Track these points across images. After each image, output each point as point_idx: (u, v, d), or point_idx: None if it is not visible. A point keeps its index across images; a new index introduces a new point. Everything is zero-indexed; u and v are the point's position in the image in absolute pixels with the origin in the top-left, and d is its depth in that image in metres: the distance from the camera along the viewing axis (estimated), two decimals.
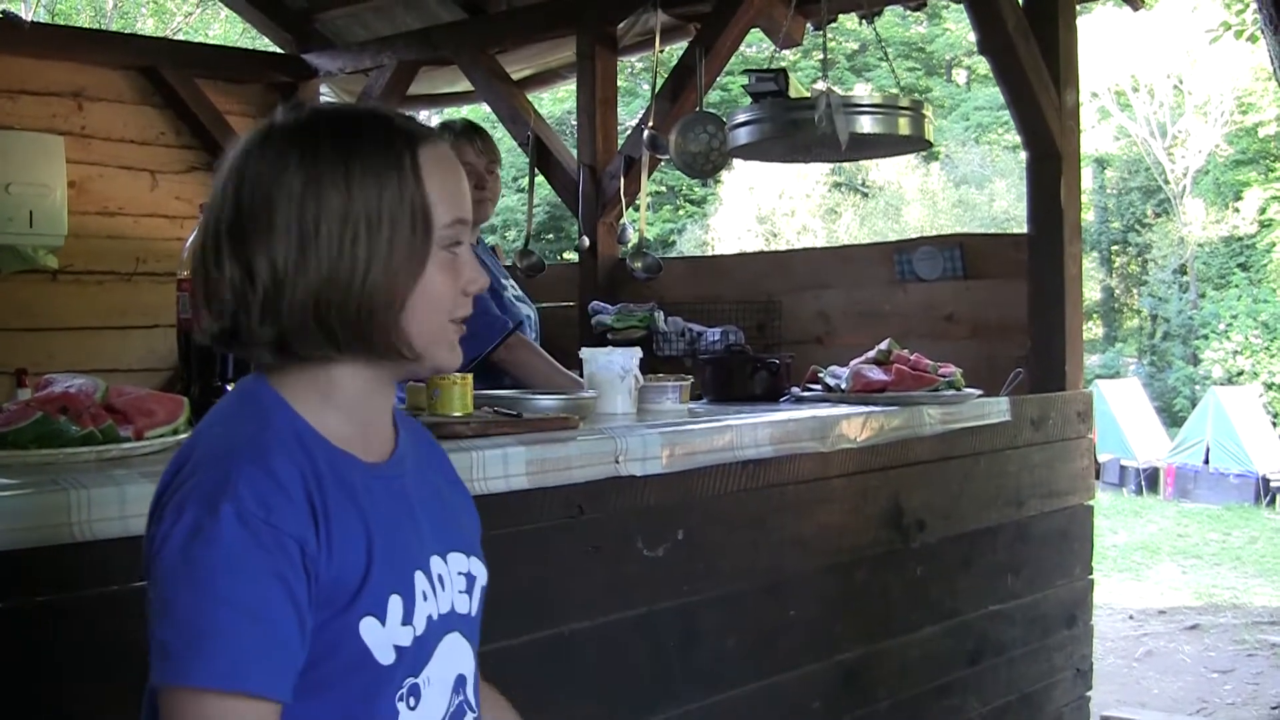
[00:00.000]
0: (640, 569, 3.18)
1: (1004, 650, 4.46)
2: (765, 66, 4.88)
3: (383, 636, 1.52)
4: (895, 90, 4.63)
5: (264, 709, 1.42)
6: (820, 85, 4.49)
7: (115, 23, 23.10)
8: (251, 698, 1.40)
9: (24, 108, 6.95)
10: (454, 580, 1.68)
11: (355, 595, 1.50)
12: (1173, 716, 7.05)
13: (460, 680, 1.68)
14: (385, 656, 1.52)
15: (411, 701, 1.58)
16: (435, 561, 1.65)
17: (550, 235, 27.27)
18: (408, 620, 1.56)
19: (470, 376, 3.21)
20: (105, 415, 2.52)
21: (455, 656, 1.67)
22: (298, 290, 1.52)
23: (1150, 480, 18.46)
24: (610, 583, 3.13)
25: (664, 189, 30.40)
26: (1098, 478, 16.53)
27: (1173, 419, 25.14)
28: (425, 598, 1.60)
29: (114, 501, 2.13)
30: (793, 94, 4.66)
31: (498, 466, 2.82)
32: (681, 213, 31.83)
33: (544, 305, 6.78)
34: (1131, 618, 9.78)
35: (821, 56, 5.47)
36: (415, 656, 1.57)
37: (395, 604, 1.54)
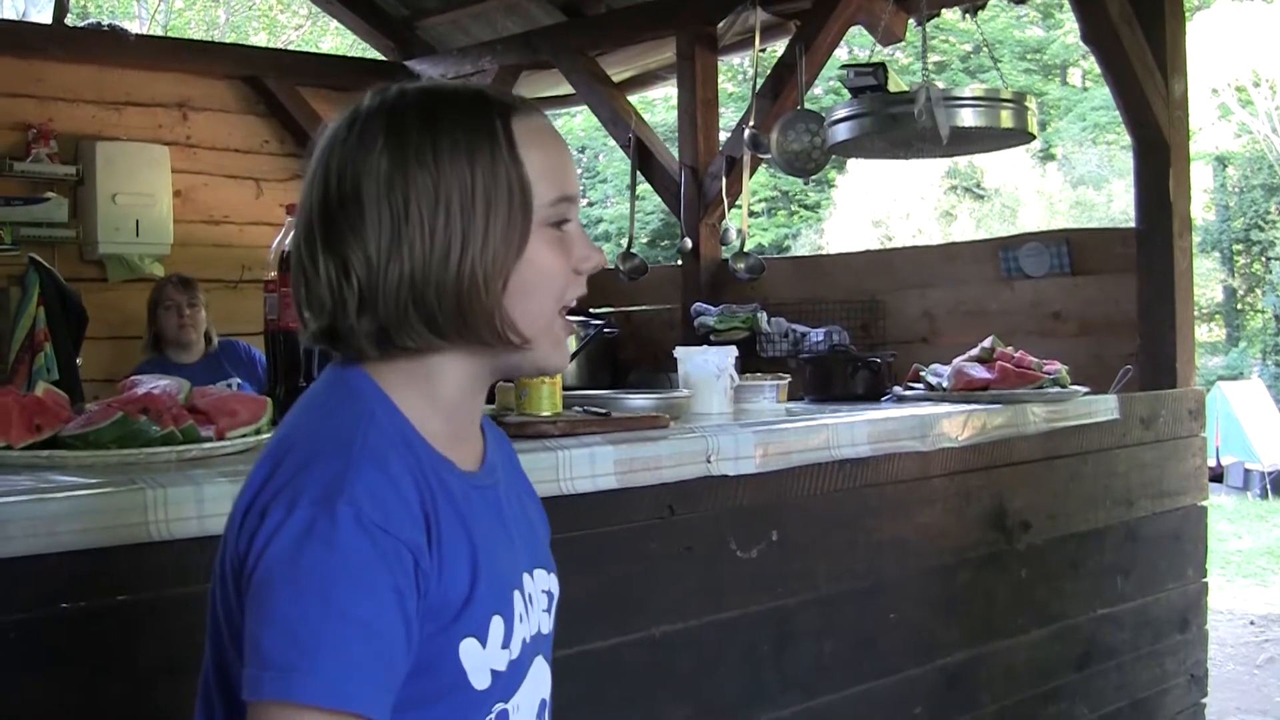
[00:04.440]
0: (733, 570, 3.13)
1: (1113, 655, 4.35)
2: (865, 61, 4.81)
3: (481, 659, 1.43)
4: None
5: None
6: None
7: (227, 37, 23.41)
8: (356, 718, 1.28)
9: (130, 119, 7.09)
10: (538, 599, 1.57)
11: (458, 614, 1.40)
12: None
13: (543, 705, 1.58)
14: (480, 681, 1.43)
15: None
16: (526, 580, 1.55)
17: (665, 241, 27.03)
18: (506, 643, 1.46)
19: (560, 376, 3.17)
20: (186, 416, 2.52)
21: (541, 680, 1.57)
22: (393, 277, 1.42)
23: (1276, 483, 17.98)
24: (702, 585, 3.08)
25: (777, 194, 30.20)
26: (1221, 481, 16.17)
27: None
28: (521, 619, 1.50)
29: (191, 501, 2.12)
30: (892, 88, 4.59)
31: (585, 466, 2.78)
32: (796, 217, 31.62)
33: (646, 308, 6.78)
34: (1253, 623, 9.52)
35: (922, 50, 5.39)
36: (509, 681, 1.48)
37: (497, 626, 1.45)
